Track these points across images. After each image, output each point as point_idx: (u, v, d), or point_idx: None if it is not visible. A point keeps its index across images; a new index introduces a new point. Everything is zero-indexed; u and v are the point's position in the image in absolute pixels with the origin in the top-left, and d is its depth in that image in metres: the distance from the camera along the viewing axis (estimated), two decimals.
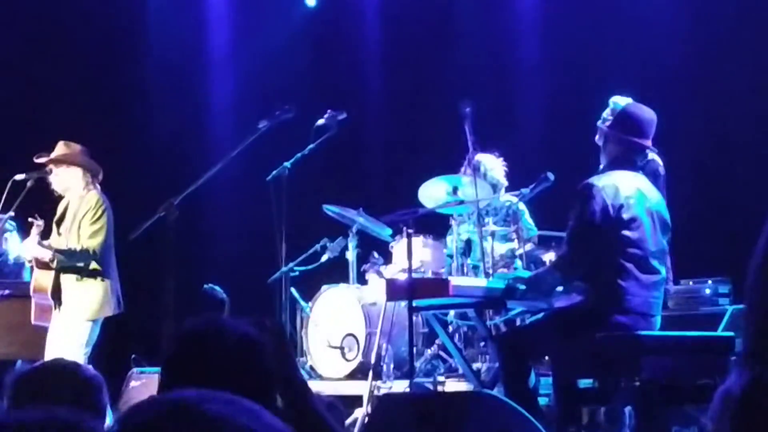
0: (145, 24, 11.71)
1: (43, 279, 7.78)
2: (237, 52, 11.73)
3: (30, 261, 7.99)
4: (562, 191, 7.48)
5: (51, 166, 7.91)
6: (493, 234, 8.07)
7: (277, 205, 7.83)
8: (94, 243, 7.75)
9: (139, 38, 11.74)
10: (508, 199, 8.49)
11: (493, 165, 8.65)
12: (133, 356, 9.07)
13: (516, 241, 8.00)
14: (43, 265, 7.78)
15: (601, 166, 6.64)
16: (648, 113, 6.57)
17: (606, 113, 7.16)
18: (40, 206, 7.95)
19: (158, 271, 7.20)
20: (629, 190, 6.36)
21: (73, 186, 7.93)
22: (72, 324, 7.71)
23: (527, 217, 8.52)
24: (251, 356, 2.67)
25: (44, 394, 3.02)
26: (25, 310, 7.92)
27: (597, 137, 6.59)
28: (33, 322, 7.87)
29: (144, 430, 1.24)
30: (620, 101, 7.19)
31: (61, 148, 7.94)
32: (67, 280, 7.79)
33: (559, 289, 6.74)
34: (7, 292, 8.56)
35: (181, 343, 2.73)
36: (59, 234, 7.93)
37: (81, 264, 7.78)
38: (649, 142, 6.50)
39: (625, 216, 6.30)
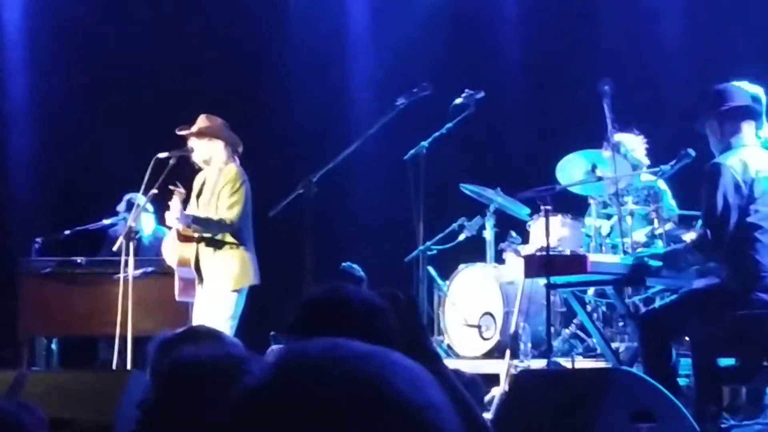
0: (286, 3, 11.83)
1: (186, 251, 7.82)
2: (376, 29, 11.77)
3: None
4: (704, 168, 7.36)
5: (193, 138, 7.95)
6: (632, 213, 7.97)
7: (414, 184, 7.85)
8: (231, 214, 7.76)
9: (281, 16, 11.87)
10: (649, 178, 8.37)
11: (634, 145, 8.48)
12: (272, 333, 9.17)
13: (656, 221, 7.89)
14: (185, 239, 7.82)
15: (716, 151, 6.56)
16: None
17: None
18: (182, 185, 8.06)
19: (297, 248, 7.28)
20: (758, 164, 6.30)
21: (215, 158, 7.96)
22: (216, 296, 7.74)
23: (669, 198, 8.39)
24: (373, 322, 2.70)
25: None
26: (168, 286, 7.97)
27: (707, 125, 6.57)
28: (177, 298, 7.89)
29: (273, 387, 1.25)
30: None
31: (202, 121, 7.99)
32: (205, 252, 7.81)
33: (696, 267, 6.67)
34: (150, 269, 8.72)
35: (305, 310, 2.78)
36: (198, 207, 7.96)
37: (217, 234, 7.78)
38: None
39: (757, 191, 6.23)
